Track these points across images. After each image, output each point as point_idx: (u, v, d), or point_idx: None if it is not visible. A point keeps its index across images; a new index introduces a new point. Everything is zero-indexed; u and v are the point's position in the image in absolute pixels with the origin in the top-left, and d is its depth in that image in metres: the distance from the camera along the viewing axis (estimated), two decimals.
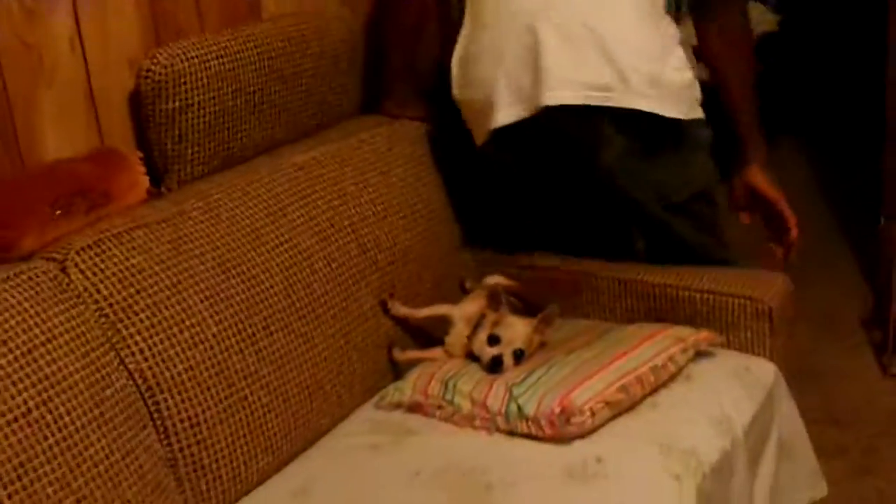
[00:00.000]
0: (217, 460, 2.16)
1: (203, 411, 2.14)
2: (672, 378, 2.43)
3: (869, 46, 4.70)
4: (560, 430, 2.23)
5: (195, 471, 2.14)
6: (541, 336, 2.50)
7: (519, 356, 2.44)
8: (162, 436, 2.10)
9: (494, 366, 2.42)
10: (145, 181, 2.34)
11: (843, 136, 5.43)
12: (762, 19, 5.25)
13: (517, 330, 2.46)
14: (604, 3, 2.55)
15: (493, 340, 2.44)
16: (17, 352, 1.88)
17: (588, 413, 2.23)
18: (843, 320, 3.98)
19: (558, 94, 2.54)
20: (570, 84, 2.54)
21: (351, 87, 2.83)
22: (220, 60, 2.41)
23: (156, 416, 2.09)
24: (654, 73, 2.53)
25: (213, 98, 2.40)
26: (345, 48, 2.77)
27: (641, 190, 2.68)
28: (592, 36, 2.52)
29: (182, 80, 2.34)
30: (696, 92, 2.63)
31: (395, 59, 2.89)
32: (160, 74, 2.32)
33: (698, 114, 2.63)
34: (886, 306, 3.66)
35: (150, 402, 2.09)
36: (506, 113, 2.59)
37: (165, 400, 2.10)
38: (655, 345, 2.43)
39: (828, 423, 3.06)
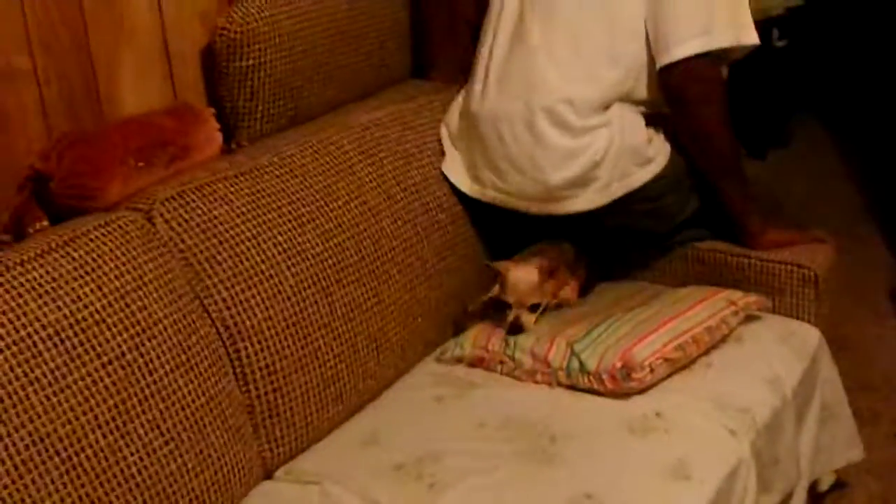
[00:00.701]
0: (291, 408, 2.23)
1: (280, 360, 2.21)
2: (724, 339, 2.50)
3: None
4: (621, 384, 2.31)
5: (270, 417, 2.21)
6: (554, 278, 2.54)
7: (535, 309, 2.49)
8: (241, 383, 2.17)
9: (514, 331, 2.48)
10: (219, 136, 2.40)
11: (870, 110, 5.46)
12: None
13: (521, 287, 2.49)
14: (524, 115, 2.58)
15: (507, 306, 2.49)
16: (111, 297, 1.96)
17: (648, 369, 2.31)
18: (872, 292, 4.04)
19: (455, 177, 2.72)
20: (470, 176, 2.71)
21: (407, 50, 2.90)
22: (292, 20, 2.48)
23: (236, 363, 2.16)
24: (548, 182, 2.57)
25: (284, 57, 2.47)
26: (404, 12, 2.84)
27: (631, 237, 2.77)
28: (501, 144, 2.61)
29: (255, 39, 2.41)
30: (638, 158, 2.60)
31: (435, 31, 2.93)
32: (235, 33, 2.39)
33: (641, 180, 2.60)
34: None
35: (231, 349, 2.16)
36: None
37: (245, 348, 2.16)
38: (708, 307, 2.50)
39: (860, 389, 3.11)
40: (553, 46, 2.57)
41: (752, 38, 2.53)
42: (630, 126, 2.58)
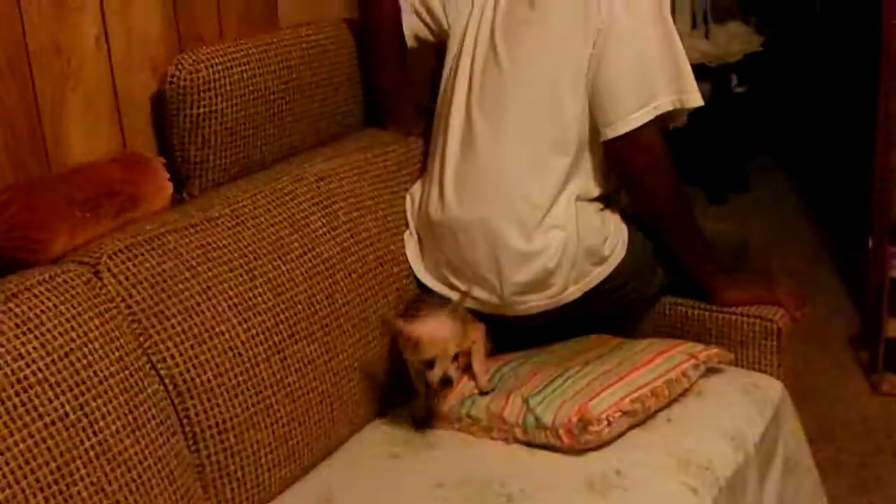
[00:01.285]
0: (242, 467, 2.17)
1: (231, 418, 2.15)
2: (684, 393, 2.46)
3: (854, 67, 4.76)
4: (578, 438, 2.27)
5: (221, 477, 2.15)
6: (464, 321, 2.42)
7: (456, 357, 2.36)
8: (190, 442, 2.11)
9: (445, 384, 2.35)
10: (170, 186, 2.35)
11: (830, 155, 5.50)
12: (746, 39, 5.33)
13: (438, 340, 2.34)
14: (482, 224, 2.54)
15: (429, 365, 2.35)
16: (55, 354, 1.89)
17: (605, 422, 2.26)
18: (831, 339, 4.03)
19: (413, 262, 2.67)
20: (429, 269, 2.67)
21: (362, 97, 2.85)
22: (243, 67, 2.43)
23: (185, 422, 2.10)
24: (504, 287, 2.54)
25: (236, 105, 2.42)
26: (357, 59, 2.79)
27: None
28: (459, 250, 2.58)
29: (206, 87, 2.36)
30: (594, 258, 2.56)
31: (385, 82, 2.86)
32: (185, 80, 2.34)
33: (598, 279, 2.57)
34: (874, 325, 3.71)
35: (179, 408, 2.09)
36: None
37: (195, 406, 2.10)
38: (668, 360, 2.46)
39: (822, 440, 3.10)
40: (504, 143, 2.54)
41: (695, 100, 2.50)
42: (585, 228, 2.54)
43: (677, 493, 2.18)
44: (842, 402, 3.63)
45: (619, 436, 2.31)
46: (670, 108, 2.47)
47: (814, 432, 2.79)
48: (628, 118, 2.45)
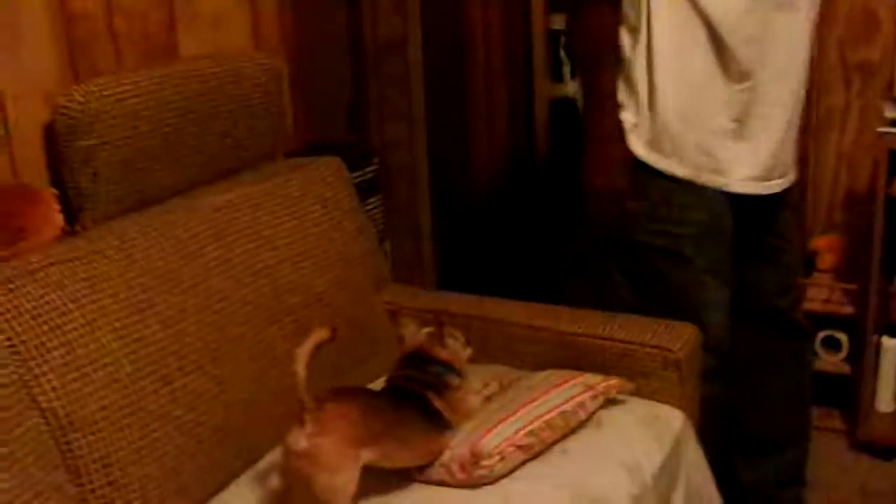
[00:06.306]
0: (129, 501, 2.13)
1: (115, 452, 2.11)
2: (582, 425, 2.45)
3: None
4: (471, 474, 2.24)
5: None
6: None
7: None
8: (73, 476, 2.07)
9: None
10: (59, 218, 2.31)
11: None
12: None
13: None
14: None
15: None
16: None
17: (498, 457, 2.25)
18: None
19: None
20: None
21: (266, 130, 2.81)
22: (137, 99, 2.39)
23: (67, 455, 2.06)
24: None
25: (129, 137, 2.38)
26: (260, 91, 2.76)
27: None
28: None
29: (97, 118, 2.32)
30: None
31: None
32: (75, 111, 2.30)
33: None
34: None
35: (61, 441, 2.05)
36: None
37: (77, 440, 2.06)
38: (565, 391, 2.45)
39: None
40: None
41: None
42: None
43: None
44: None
45: (514, 469, 2.30)
46: None
47: None
48: None
